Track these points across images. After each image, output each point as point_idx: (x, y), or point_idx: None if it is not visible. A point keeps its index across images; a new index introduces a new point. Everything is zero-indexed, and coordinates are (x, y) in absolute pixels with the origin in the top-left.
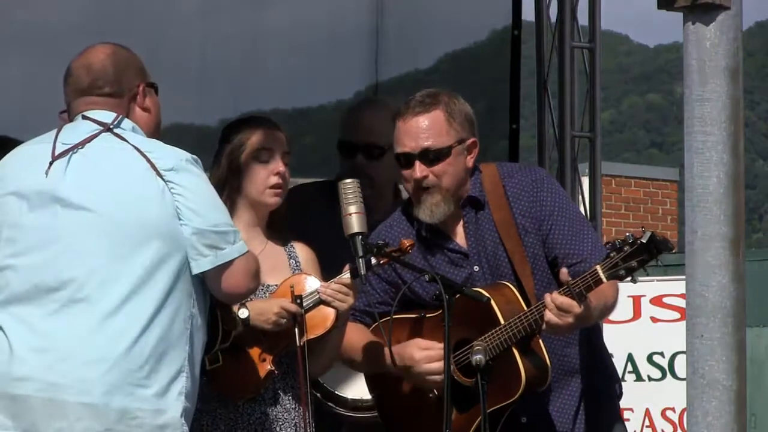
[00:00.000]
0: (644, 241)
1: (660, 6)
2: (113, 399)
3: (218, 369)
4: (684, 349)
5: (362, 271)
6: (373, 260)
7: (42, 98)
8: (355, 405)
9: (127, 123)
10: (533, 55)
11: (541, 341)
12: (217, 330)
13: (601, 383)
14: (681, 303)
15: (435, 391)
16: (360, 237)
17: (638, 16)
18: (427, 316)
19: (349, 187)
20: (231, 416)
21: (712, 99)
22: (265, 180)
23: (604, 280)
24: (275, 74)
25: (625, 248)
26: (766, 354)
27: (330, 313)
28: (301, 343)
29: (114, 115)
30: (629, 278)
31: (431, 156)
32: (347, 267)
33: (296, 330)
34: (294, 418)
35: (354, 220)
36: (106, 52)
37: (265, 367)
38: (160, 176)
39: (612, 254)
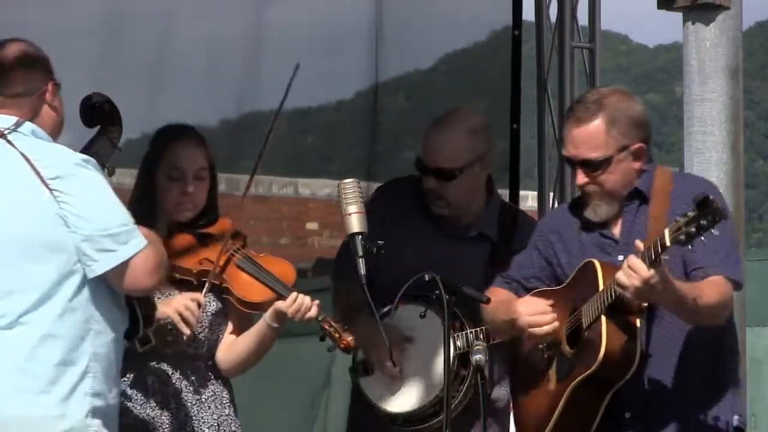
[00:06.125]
0: (698, 201)
1: (660, 6)
2: (11, 409)
3: None
4: None
5: (362, 271)
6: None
7: None
8: (393, 418)
9: (27, 127)
10: (533, 55)
11: (638, 324)
12: (137, 316)
13: (716, 409)
14: None
15: (540, 346)
16: (360, 237)
17: (638, 16)
18: (555, 288)
19: (349, 187)
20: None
21: (712, 99)
22: (175, 197)
23: (668, 242)
24: (275, 74)
25: (689, 213)
26: (766, 354)
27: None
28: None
29: (14, 120)
30: (689, 244)
31: (591, 165)
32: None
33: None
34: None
35: (354, 219)
36: (17, 49)
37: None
38: (46, 185)
39: (679, 219)
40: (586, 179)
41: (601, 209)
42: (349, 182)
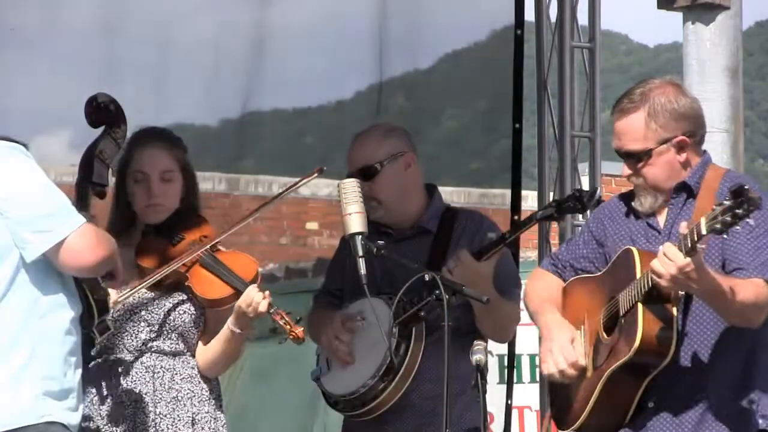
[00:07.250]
0: (733, 190)
1: (660, 6)
2: None
3: None
4: None
5: (362, 271)
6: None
7: (57, 98)
8: (353, 405)
9: None
10: (533, 55)
11: (675, 311)
12: (90, 303)
13: (743, 407)
14: None
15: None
16: (360, 237)
17: (638, 16)
18: (596, 275)
19: (349, 187)
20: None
21: (712, 99)
22: (142, 201)
23: (704, 231)
24: (275, 74)
25: (725, 202)
26: None
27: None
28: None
29: None
30: (725, 233)
31: (632, 158)
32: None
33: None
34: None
35: (354, 219)
36: None
37: None
38: None
39: (715, 208)
40: (629, 171)
41: (646, 200)
42: (349, 182)
